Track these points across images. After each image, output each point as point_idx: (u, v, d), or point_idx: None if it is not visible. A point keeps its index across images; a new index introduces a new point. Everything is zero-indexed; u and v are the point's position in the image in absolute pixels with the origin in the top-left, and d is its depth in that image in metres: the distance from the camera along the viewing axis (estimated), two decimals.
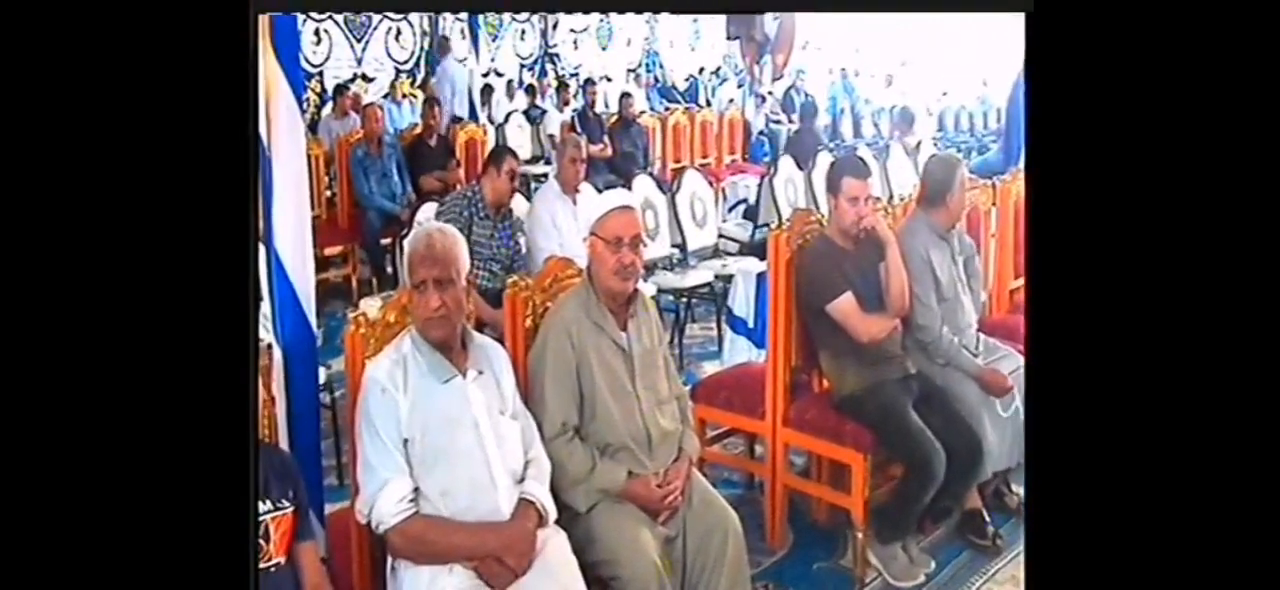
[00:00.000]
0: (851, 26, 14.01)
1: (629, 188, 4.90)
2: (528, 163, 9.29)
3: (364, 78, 10.80)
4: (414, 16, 11.14)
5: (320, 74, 10.34)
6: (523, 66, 12.83)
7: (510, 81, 11.87)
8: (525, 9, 10.53)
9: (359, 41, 10.76)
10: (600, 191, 4.24)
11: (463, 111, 9.03)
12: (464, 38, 10.77)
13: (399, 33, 11.05)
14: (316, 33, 10.27)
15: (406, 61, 11.29)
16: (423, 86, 11.08)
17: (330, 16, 10.31)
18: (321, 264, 5.53)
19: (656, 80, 13.55)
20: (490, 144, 6.93)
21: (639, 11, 12.24)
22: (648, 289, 4.37)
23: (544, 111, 9.87)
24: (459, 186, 4.84)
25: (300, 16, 9.56)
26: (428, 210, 4.22)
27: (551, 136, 8.57)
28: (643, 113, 9.06)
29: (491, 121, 9.72)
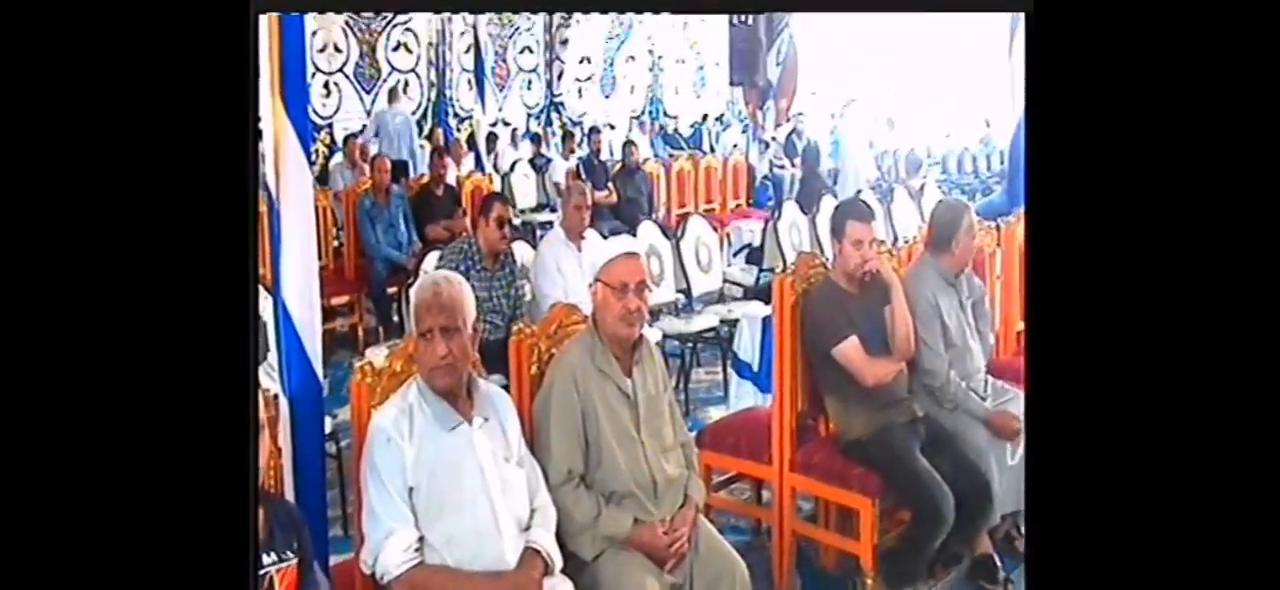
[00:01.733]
0: (850, 70, 14.16)
1: (634, 234, 4.94)
2: (533, 210, 9.36)
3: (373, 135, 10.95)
4: (422, 69, 11.30)
5: (330, 126, 10.47)
6: (529, 115, 12.97)
7: (514, 130, 12.00)
8: (525, 9, 10.61)
9: (368, 93, 10.90)
10: (605, 238, 4.30)
11: (406, 158, 9.05)
12: (470, 88, 10.90)
13: (407, 85, 11.19)
14: (326, 85, 10.41)
15: (414, 112, 11.42)
16: (429, 137, 11.21)
17: (340, 71, 10.46)
18: (328, 313, 5.55)
19: (661, 127, 13.68)
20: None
21: (639, 12, 12.33)
22: (653, 335, 4.38)
23: (549, 160, 9.97)
24: (464, 234, 4.88)
25: (311, 71, 9.73)
26: (434, 259, 4.25)
27: (557, 184, 8.64)
28: (647, 159, 9.15)
29: (497, 170, 9.82)
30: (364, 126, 10.52)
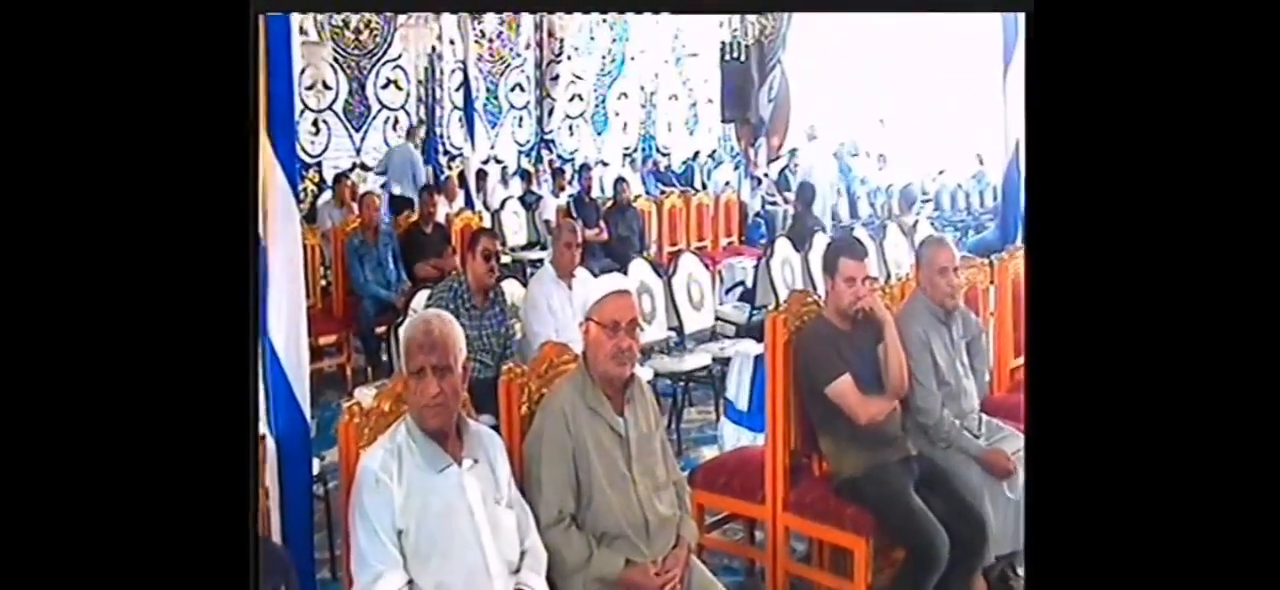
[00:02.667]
0: (843, 106, 14.31)
1: (625, 272, 4.96)
2: (524, 248, 9.39)
3: (363, 167, 10.95)
4: (411, 106, 11.38)
5: (319, 164, 10.49)
6: (520, 152, 13.04)
7: (504, 168, 12.06)
8: (525, 9, 10.67)
9: (357, 131, 10.95)
10: (596, 276, 4.31)
11: (411, 194, 9.10)
12: (461, 125, 10.99)
13: (397, 121, 11.26)
14: (315, 123, 10.46)
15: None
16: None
17: (330, 108, 10.52)
18: (316, 353, 5.54)
19: (653, 164, 13.78)
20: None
21: (638, 12, 12.42)
22: (644, 373, 4.39)
23: (539, 197, 10.02)
24: (454, 273, 4.89)
25: (299, 108, 9.78)
26: (423, 298, 4.26)
27: (547, 222, 8.69)
28: (638, 197, 9.20)
29: (487, 208, 9.86)
30: (354, 165, 10.55)
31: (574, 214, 7.75)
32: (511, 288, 4.60)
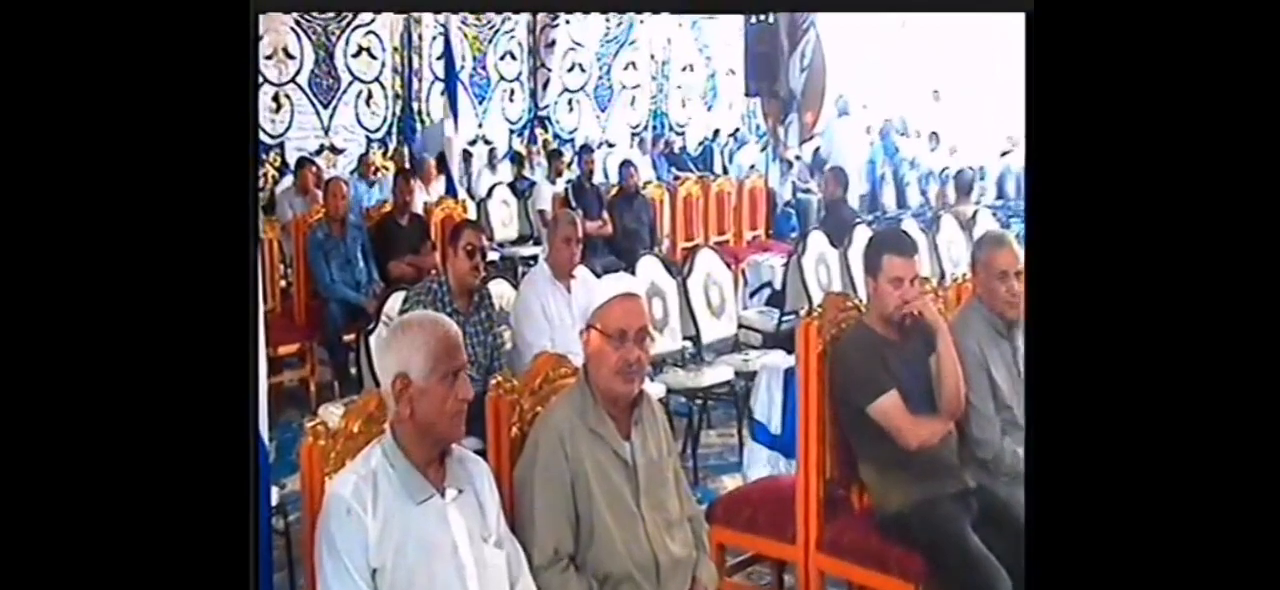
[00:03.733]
0: (892, 78, 14.28)
1: (632, 271, 4.98)
2: (514, 243, 9.42)
3: (332, 149, 10.99)
4: (387, 78, 11.44)
5: (281, 146, 10.51)
6: (512, 131, 13.06)
7: (492, 150, 12.08)
8: (525, 9, 10.78)
9: (325, 107, 10.98)
10: (599, 276, 4.32)
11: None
12: (443, 100, 11.06)
13: (370, 96, 11.30)
14: (277, 98, 10.49)
15: (378, 129, 11.48)
16: (393, 157, 11.28)
17: (293, 81, 10.60)
18: (274, 365, 5.58)
19: (665, 145, 13.80)
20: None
21: (638, 11, 12.50)
22: (655, 390, 4.41)
23: (533, 183, 10.04)
24: (433, 272, 4.91)
25: (266, 88, 9.84)
26: (398, 301, 4.27)
27: (542, 212, 8.71)
28: (649, 183, 9.23)
29: (473, 196, 9.89)
30: (321, 147, 10.59)
31: (573, 203, 7.77)
32: (500, 289, 4.62)
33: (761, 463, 4.23)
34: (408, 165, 10.25)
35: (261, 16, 9.64)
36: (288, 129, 10.69)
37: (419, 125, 11.69)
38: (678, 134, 14.66)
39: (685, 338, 5.31)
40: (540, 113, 13.36)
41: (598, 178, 9.50)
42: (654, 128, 14.60)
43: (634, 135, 14.20)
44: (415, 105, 11.73)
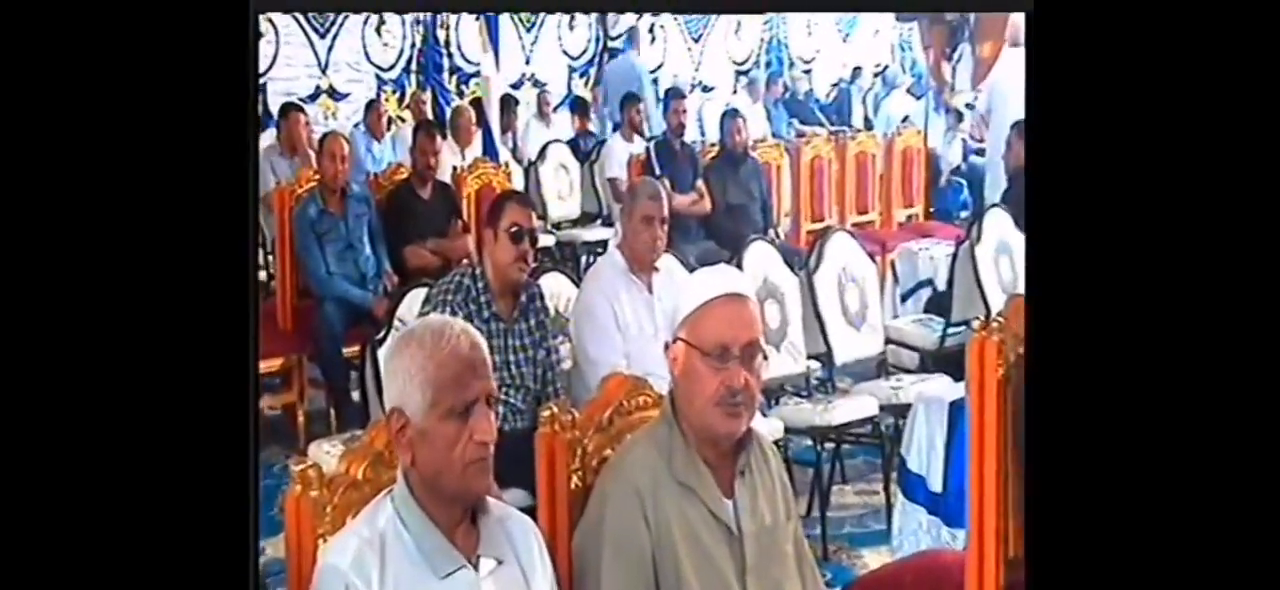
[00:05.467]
0: None
1: (738, 263, 4.96)
2: (574, 223, 9.47)
3: (330, 93, 11.15)
4: None
5: (263, 88, 10.65)
6: (571, 70, 13.12)
7: (544, 94, 12.00)
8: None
9: (321, 37, 11.11)
10: (692, 268, 4.32)
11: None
12: (479, 27, 11.17)
13: (382, 22, 11.43)
14: (256, 23, 10.70)
15: (392, 66, 11.61)
16: (411, 104, 11.37)
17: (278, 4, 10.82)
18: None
19: (784, 88, 13.73)
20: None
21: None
22: (770, 428, 4.39)
23: (600, 141, 10.07)
24: (465, 262, 4.95)
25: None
26: (417, 302, 4.31)
27: (613, 181, 8.73)
28: (762, 141, 9.20)
29: (518, 159, 9.95)
30: (317, 90, 10.72)
31: (656, 168, 7.76)
32: (556, 285, 4.65)
33: (917, 530, 4.19)
34: (431, 115, 10.35)
35: None
36: (271, 65, 10.78)
37: (446, 61, 11.79)
38: (803, 72, 14.58)
39: (812, 357, 5.28)
40: (610, 43, 13.39)
41: (690, 134, 9.46)
42: (768, 64, 14.54)
43: (740, 74, 14.17)
44: (441, 33, 11.84)
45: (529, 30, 12.69)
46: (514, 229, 4.05)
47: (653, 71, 13.33)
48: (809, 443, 5.05)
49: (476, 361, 2.11)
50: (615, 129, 9.60)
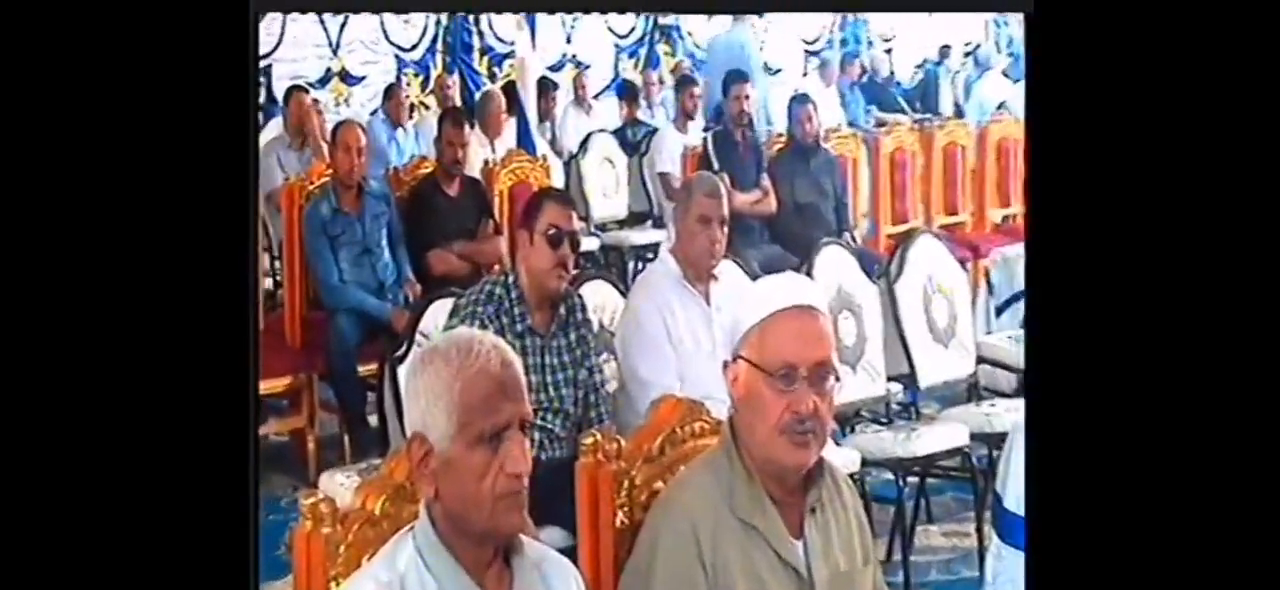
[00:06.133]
0: None
1: (809, 270, 4.95)
2: (621, 224, 9.46)
3: (343, 76, 11.20)
4: None
5: (267, 70, 10.69)
6: (618, 48, 13.12)
7: (582, 76, 11.95)
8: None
9: (334, 14, 11.14)
10: (755, 277, 4.30)
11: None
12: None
13: None
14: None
15: (414, 45, 11.63)
16: (436, 89, 11.39)
17: None
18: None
19: (861, 70, 13.67)
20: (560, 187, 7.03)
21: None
22: (845, 460, 4.36)
23: (651, 130, 10.06)
24: (496, 269, 4.96)
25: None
26: (442, 313, 4.32)
27: (665, 176, 8.72)
28: (836, 130, 9.16)
29: (557, 152, 9.95)
30: (328, 73, 10.77)
31: (715, 162, 7.74)
32: (600, 295, 4.65)
33: (1014, 578, 4.16)
34: (458, 101, 10.37)
35: None
36: (276, 46, 10.83)
37: (476, 39, 11.82)
38: (883, 51, 14.52)
39: (893, 378, 5.26)
40: (661, 20, 13.39)
41: (759, 123, 9.42)
42: (843, 42, 14.49)
43: (810, 54, 14.13)
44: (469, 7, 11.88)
45: (569, 9, 12.72)
46: (552, 231, 4.04)
47: (709, 49, 13.29)
48: (889, 476, 5.02)
49: (508, 382, 2.09)
50: (718, 114, 9.24)
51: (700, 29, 13.55)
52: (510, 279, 4.13)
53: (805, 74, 13.39)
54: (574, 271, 4.25)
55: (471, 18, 11.85)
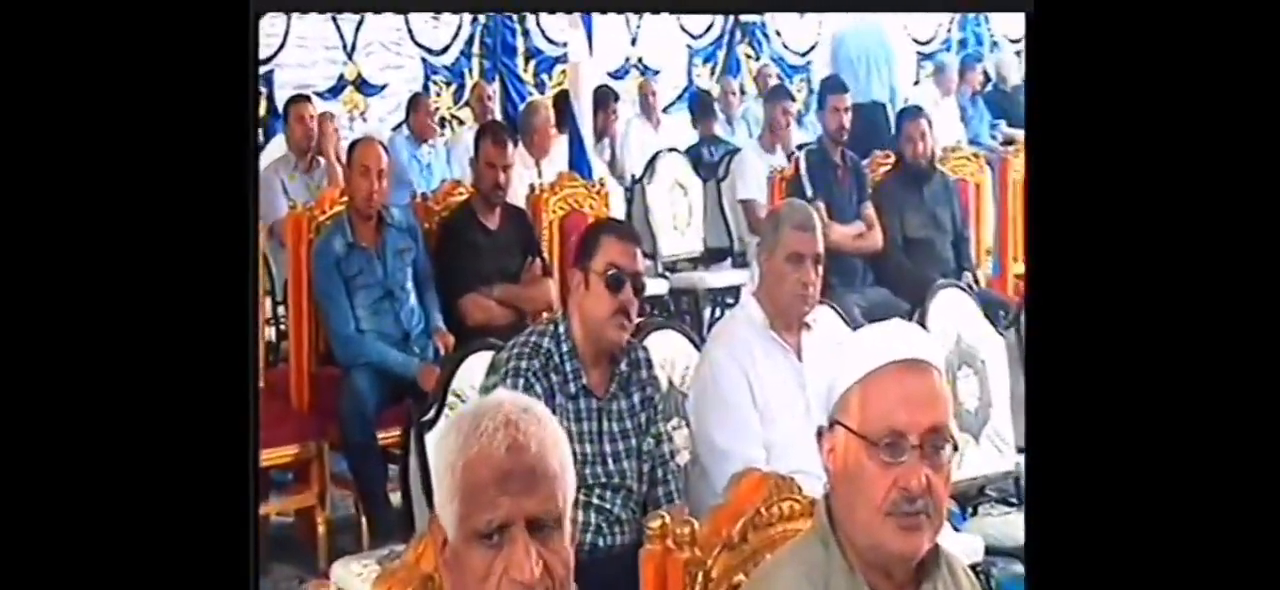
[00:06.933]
0: None
1: (921, 319, 4.96)
2: (694, 262, 9.45)
3: (361, 85, 11.25)
4: None
5: (268, 78, 10.76)
6: (692, 52, 13.14)
7: (647, 83, 11.94)
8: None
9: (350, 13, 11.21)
10: (856, 326, 4.29)
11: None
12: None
13: None
14: None
15: (445, 49, 11.67)
16: (471, 101, 11.41)
17: None
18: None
19: (984, 78, 13.63)
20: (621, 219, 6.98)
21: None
22: (964, 547, 4.34)
23: (733, 150, 10.06)
24: (545, 317, 4.97)
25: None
26: (478, 369, 4.33)
27: (748, 204, 8.71)
28: (954, 150, 9.13)
29: (618, 176, 9.97)
30: (341, 81, 10.86)
31: (809, 187, 7.75)
32: (668, 347, 4.65)
33: None
34: (499, 115, 10.41)
35: None
36: (279, 49, 10.89)
37: (520, 40, 11.85)
38: (1014, 51, 14.47)
39: (1023, 449, 5.21)
40: (741, 17, 13.41)
41: (867, 141, 9.39)
42: (962, 43, 14.46)
43: (923, 58, 14.10)
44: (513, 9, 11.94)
45: (637, 9, 12.80)
46: (611, 271, 4.04)
47: (806, 54, 13.27)
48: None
49: (513, 471, 2.10)
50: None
51: (792, 28, 13.56)
52: (561, 329, 4.12)
53: (917, 82, 13.36)
54: (637, 320, 4.24)
55: (515, 16, 11.89)
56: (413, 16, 11.44)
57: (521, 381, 3.95)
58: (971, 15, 14.47)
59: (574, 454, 2.22)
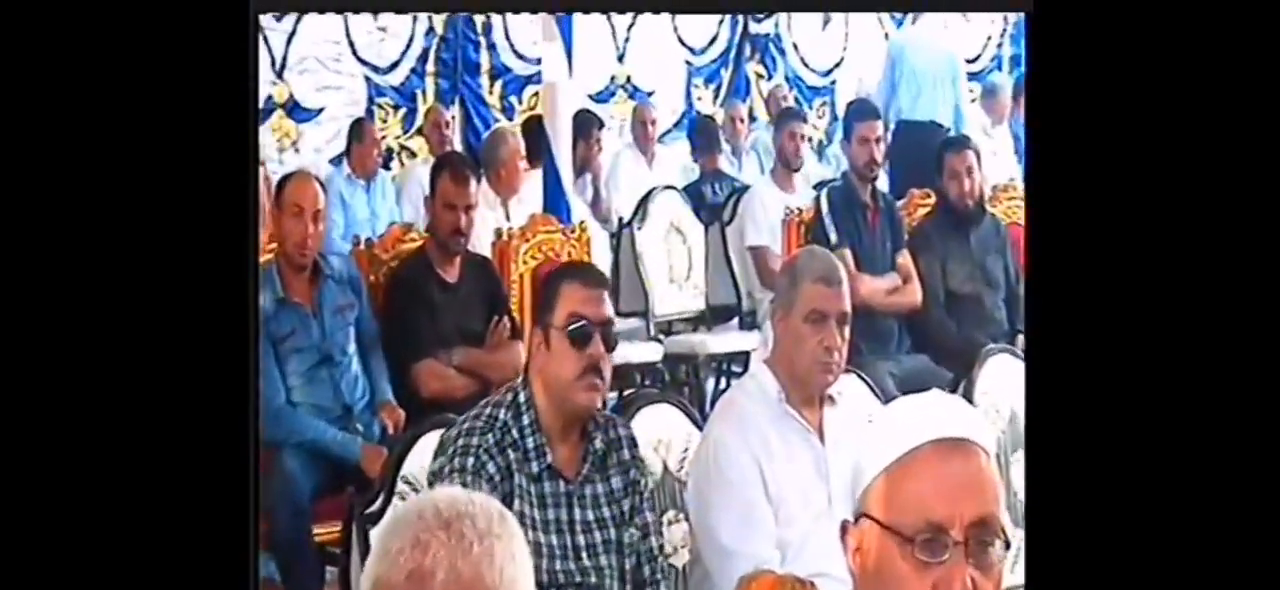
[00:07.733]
0: None
1: (966, 391, 4.97)
2: (694, 322, 9.47)
3: (291, 109, 11.29)
4: None
5: None
6: (691, 70, 13.19)
7: (641, 107, 11.98)
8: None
9: (278, 21, 11.23)
10: (888, 399, 4.30)
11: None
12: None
13: None
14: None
15: (392, 65, 11.71)
16: (425, 128, 11.45)
17: None
18: None
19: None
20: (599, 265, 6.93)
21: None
22: None
23: (740, 188, 10.08)
24: (506, 387, 4.98)
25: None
26: (430, 451, 4.31)
27: (759, 252, 8.73)
28: (1006, 188, 9.16)
29: (602, 217, 9.98)
30: (272, 103, 10.93)
31: (831, 231, 7.75)
32: (659, 423, 4.65)
33: None
34: (459, 145, 10.43)
35: None
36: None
37: (484, 55, 11.89)
38: None
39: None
40: (753, 29, 13.46)
41: (887, 182, 9.42)
42: (1013, 60, 14.52)
43: (973, 78, 14.17)
44: (478, 18, 11.96)
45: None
46: (575, 323, 4.00)
47: (830, 72, 13.31)
48: None
49: (423, 577, 2.11)
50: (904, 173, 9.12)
51: (812, 43, 13.62)
52: (521, 397, 4.08)
53: (961, 106, 13.39)
54: (606, 383, 4.16)
55: (478, 20, 11.89)
56: (353, 24, 11.35)
57: (471, 460, 3.92)
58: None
59: (538, 546, 2.24)
